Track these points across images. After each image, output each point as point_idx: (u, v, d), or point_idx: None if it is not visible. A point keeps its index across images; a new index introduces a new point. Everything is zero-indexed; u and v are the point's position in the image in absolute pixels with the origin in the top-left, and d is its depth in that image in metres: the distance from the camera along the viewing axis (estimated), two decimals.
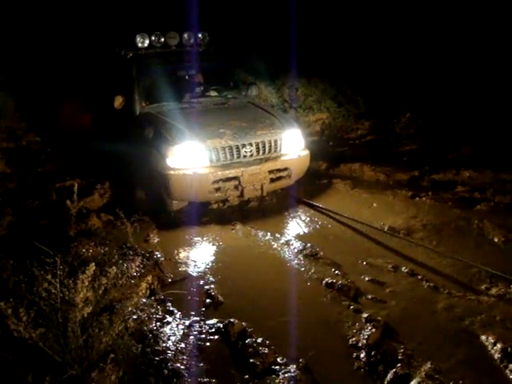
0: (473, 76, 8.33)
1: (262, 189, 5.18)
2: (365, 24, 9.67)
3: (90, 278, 2.25)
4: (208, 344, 3.05)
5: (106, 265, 3.24)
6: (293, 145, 5.46)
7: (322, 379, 2.78)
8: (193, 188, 4.89)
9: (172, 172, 4.90)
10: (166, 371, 2.63)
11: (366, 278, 3.86)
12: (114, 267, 2.54)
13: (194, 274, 3.98)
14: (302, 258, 4.19)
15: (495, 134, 7.11)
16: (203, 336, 3.12)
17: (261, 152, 5.20)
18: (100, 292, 2.39)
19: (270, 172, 5.23)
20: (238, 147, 5.08)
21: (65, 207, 4.83)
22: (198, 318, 3.32)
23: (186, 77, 6.27)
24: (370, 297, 3.60)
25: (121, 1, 9.32)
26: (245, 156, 5.12)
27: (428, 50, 8.93)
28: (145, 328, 3.00)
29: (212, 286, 3.75)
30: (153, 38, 6.04)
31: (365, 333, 3.14)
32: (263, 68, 8.88)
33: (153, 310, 3.29)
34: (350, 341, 3.12)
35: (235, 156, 5.07)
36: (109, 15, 8.77)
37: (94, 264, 2.38)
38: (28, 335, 1.98)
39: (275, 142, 5.28)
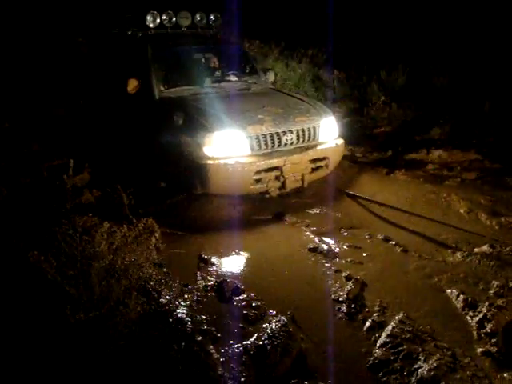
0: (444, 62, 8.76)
1: (302, 179, 4.91)
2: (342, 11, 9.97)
3: (106, 232, 2.54)
4: (205, 300, 3.37)
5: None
6: (329, 133, 5.21)
7: (307, 327, 3.13)
8: (234, 179, 4.53)
9: (211, 162, 4.51)
10: (171, 319, 2.94)
11: (345, 245, 4.23)
12: (124, 226, 2.83)
13: (188, 244, 4.27)
14: (285, 228, 4.55)
15: (462, 116, 7.56)
16: (200, 293, 3.44)
17: (301, 140, 4.90)
18: (114, 247, 2.69)
19: (311, 161, 4.98)
20: (278, 134, 4.75)
21: (57, 183, 5.09)
22: (193, 279, 3.64)
23: (203, 60, 5.94)
24: (349, 259, 3.97)
25: None
26: (285, 144, 4.80)
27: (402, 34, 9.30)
28: (148, 286, 3.29)
29: (203, 251, 4.06)
30: (164, 17, 5.69)
31: (345, 289, 3.52)
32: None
33: (151, 271, 3.58)
34: (333, 296, 3.49)
35: (276, 144, 4.75)
36: None
37: (107, 222, 2.66)
38: (59, 278, 2.28)
39: (314, 129, 4.99)
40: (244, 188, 4.67)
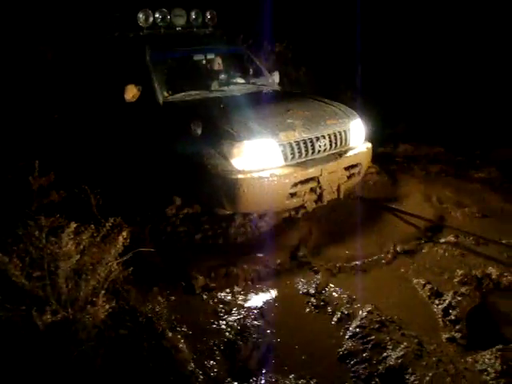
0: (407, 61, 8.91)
1: (338, 190, 4.41)
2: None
3: (74, 232, 2.53)
4: (175, 297, 3.38)
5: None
6: (358, 136, 4.74)
7: (277, 321, 3.17)
8: (269, 195, 3.99)
9: (242, 176, 3.92)
10: (140, 318, 2.93)
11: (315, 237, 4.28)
12: (92, 225, 2.81)
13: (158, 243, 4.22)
14: None
15: (428, 113, 7.73)
16: (170, 290, 3.44)
17: (333, 146, 4.41)
18: (81, 247, 2.67)
19: (346, 169, 4.51)
20: (311, 141, 4.24)
21: (23, 185, 4.99)
22: (163, 276, 3.62)
23: (206, 62, 5.45)
24: (317, 252, 4.04)
25: None
26: (319, 151, 4.30)
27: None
28: (116, 285, 3.27)
29: (174, 249, 4.03)
30: (157, 15, 5.16)
31: (314, 282, 3.58)
32: None
33: (120, 270, 3.54)
34: (302, 289, 3.54)
35: (310, 152, 4.24)
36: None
37: (74, 222, 2.64)
38: (24, 280, 2.25)
39: (345, 133, 4.51)
40: (279, 204, 4.16)
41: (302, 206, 4.33)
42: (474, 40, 8.41)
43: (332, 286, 3.56)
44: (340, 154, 4.46)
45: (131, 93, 4.64)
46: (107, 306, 2.43)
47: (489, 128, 6.93)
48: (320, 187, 4.25)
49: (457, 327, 3.07)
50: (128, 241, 3.27)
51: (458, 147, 6.60)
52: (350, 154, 4.52)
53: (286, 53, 10.08)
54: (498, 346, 2.78)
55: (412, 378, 2.61)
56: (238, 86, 5.29)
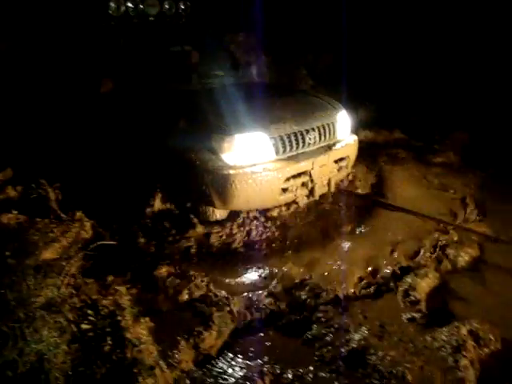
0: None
1: (329, 184, 4.32)
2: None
3: (33, 227, 2.48)
4: (136, 289, 3.32)
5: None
6: (345, 128, 4.62)
7: (240, 308, 3.21)
8: (262, 190, 3.82)
9: (233, 171, 3.74)
10: (102, 312, 2.89)
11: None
12: (52, 220, 2.76)
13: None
14: None
15: (386, 97, 7.86)
16: (130, 284, 3.38)
17: (322, 138, 4.28)
18: (41, 243, 2.62)
19: (335, 162, 4.40)
20: (302, 133, 4.10)
21: None
22: (124, 269, 3.55)
23: (181, 53, 5.27)
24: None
25: None
26: (309, 144, 4.16)
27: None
28: (78, 279, 3.22)
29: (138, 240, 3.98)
30: (129, 4, 4.99)
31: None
32: None
33: (80, 264, 3.47)
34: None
35: (300, 145, 4.10)
36: None
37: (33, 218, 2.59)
38: None
39: (333, 125, 4.40)
40: (272, 199, 4.00)
41: (294, 202, 4.22)
42: (439, 29, 8.55)
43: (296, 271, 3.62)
44: (329, 147, 4.34)
45: (107, 85, 4.57)
46: (69, 301, 2.39)
47: (446, 112, 7.10)
48: (312, 181, 4.13)
49: (416, 307, 3.16)
50: (90, 234, 3.24)
51: (417, 132, 6.73)
52: (338, 146, 4.41)
53: (249, 42, 10.04)
54: (454, 323, 2.89)
55: (374, 358, 2.69)
56: (218, 79, 5.15)
